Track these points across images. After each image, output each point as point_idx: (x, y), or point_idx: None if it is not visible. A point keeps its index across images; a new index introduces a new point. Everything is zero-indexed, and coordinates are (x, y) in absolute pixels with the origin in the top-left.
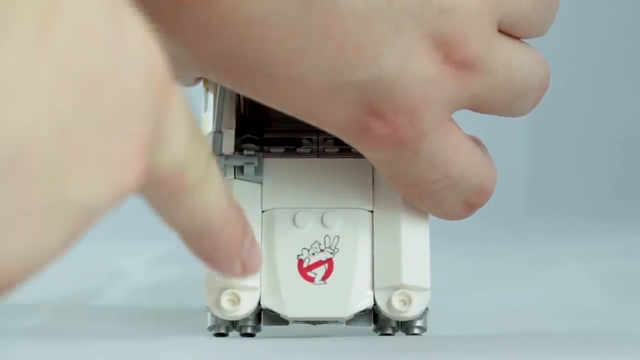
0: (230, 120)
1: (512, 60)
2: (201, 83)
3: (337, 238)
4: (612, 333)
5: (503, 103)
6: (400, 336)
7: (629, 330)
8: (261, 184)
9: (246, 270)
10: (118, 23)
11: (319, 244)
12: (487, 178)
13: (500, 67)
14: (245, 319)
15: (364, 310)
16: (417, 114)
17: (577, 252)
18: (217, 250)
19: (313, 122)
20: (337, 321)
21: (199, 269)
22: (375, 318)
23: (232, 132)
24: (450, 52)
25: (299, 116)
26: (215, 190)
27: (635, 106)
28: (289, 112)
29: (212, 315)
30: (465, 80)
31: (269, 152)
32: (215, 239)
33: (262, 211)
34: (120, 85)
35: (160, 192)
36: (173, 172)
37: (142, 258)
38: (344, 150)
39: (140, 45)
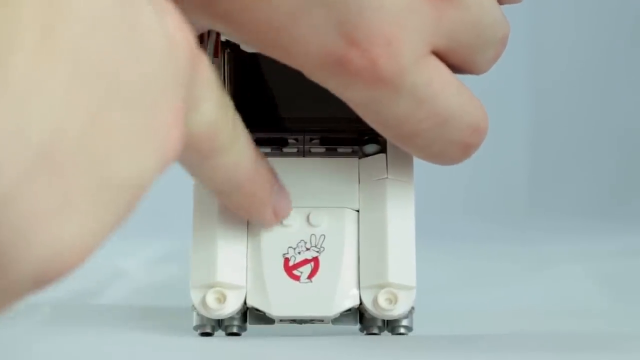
0: None
1: (484, 3)
2: None
3: (323, 237)
4: (611, 333)
5: (471, 48)
6: (386, 336)
7: (628, 330)
8: None
9: (278, 215)
10: (126, 5)
11: (305, 243)
12: (478, 116)
13: (474, 5)
14: (231, 318)
15: (349, 310)
16: (394, 43)
17: (576, 252)
18: (250, 200)
19: (288, 59)
20: (322, 320)
21: None
22: (361, 317)
23: None
24: None
25: (273, 50)
26: (244, 146)
27: (635, 107)
28: (262, 44)
29: (198, 314)
30: (441, 10)
31: None
32: (247, 190)
33: None
34: (141, 65)
35: (194, 155)
36: (206, 134)
37: (142, 258)
38: (330, 150)
39: (153, 22)
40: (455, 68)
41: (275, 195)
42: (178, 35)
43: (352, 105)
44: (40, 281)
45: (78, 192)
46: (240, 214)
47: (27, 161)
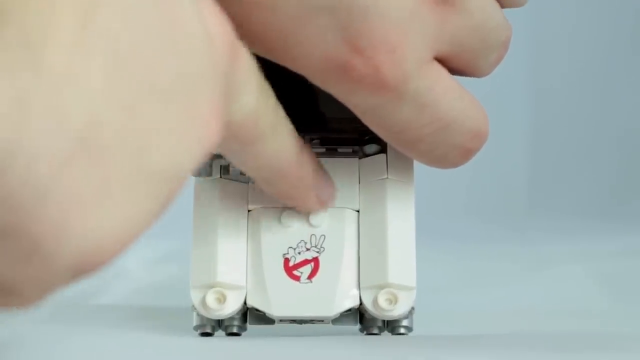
0: None
1: (487, 7)
2: None
3: (323, 237)
4: (611, 333)
5: (475, 52)
6: (386, 336)
7: (628, 331)
8: (247, 183)
9: (322, 202)
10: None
11: (305, 243)
12: (479, 120)
13: (476, 10)
14: (231, 318)
15: (349, 310)
16: (398, 50)
17: (576, 252)
18: (293, 188)
19: (290, 63)
20: (322, 320)
21: None
22: (361, 318)
23: None
24: None
25: (276, 53)
26: (286, 133)
27: (635, 107)
28: (265, 47)
29: (198, 314)
30: (444, 16)
31: None
32: (292, 178)
33: (248, 210)
34: (179, 57)
35: (236, 142)
36: (246, 122)
37: (142, 258)
38: (330, 150)
39: (191, 14)
40: (458, 71)
41: (320, 182)
42: (216, 27)
43: (355, 110)
44: (80, 271)
45: (116, 182)
46: (286, 201)
47: (65, 150)
